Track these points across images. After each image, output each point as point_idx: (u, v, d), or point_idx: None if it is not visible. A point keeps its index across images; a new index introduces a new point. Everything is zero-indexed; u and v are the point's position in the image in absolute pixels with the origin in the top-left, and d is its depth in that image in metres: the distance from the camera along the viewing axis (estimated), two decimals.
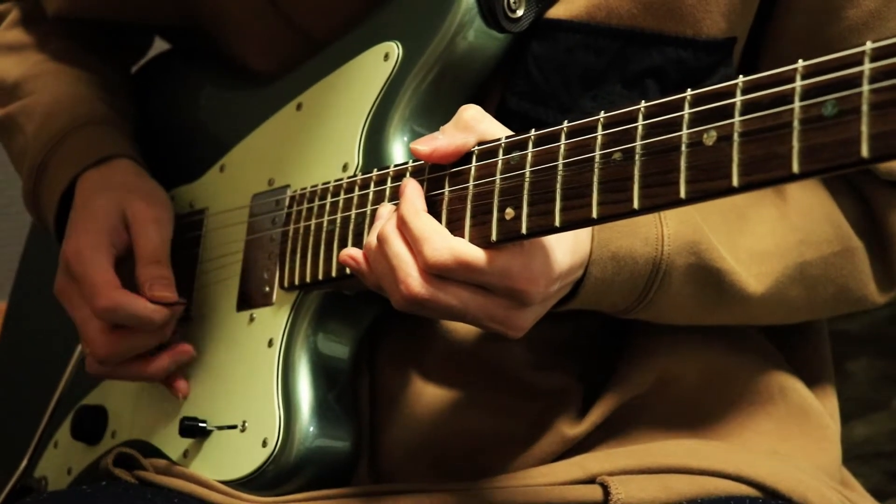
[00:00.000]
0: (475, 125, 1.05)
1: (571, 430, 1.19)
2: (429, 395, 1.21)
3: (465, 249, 1.01)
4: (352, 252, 1.09)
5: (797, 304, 1.22)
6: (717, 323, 1.21)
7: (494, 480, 1.16)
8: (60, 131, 1.35)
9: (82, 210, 1.29)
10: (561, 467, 1.17)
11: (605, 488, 1.13)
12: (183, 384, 1.27)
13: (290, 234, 1.21)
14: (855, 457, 2.43)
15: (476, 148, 1.05)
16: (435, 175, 1.07)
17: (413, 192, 1.06)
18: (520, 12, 1.15)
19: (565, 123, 0.98)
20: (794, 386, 1.26)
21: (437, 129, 1.07)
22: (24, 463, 1.37)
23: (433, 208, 1.06)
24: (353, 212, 1.14)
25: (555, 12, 1.16)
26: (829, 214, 1.22)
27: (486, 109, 1.07)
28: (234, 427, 1.20)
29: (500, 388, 1.21)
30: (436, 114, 1.16)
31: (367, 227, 1.12)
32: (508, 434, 1.20)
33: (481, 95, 1.18)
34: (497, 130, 1.05)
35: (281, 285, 1.21)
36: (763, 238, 1.18)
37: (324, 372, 1.19)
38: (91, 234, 1.27)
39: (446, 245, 1.01)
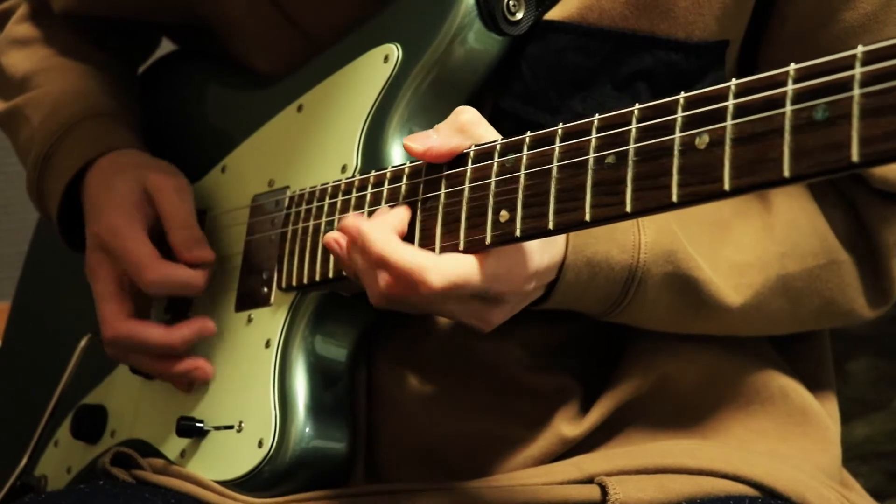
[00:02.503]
0: (472, 129, 1.06)
1: (570, 431, 1.19)
2: (426, 395, 1.21)
3: (458, 272, 1.01)
4: (337, 237, 1.09)
5: (780, 317, 1.22)
6: (698, 332, 1.21)
7: (491, 480, 1.16)
8: (67, 122, 1.35)
9: (105, 191, 1.30)
10: (558, 468, 1.17)
11: (603, 488, 1.12)
12: (202, 362, 1.25)
13: (289, 235, 1.21)
14: (855, 457, 2.42)
15: (472, 150, 1.05)
16: (431, 177, 1.07)
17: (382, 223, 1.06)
18: (519, 15, 1.15)
19: (560, 126, 0.99)
20: (794, 387, 1.25)
21: None
22: (24, 461, 1.37)
23: (428, 210, 1.06)
24: (351, 213, 1.14)
25: (548, 13, 1.15)
26: (815, 227, 1.21)
27: (481, 109, 1.08)
28: (231, 427, 1.20)
29: (498, 388, 1.21)
30: (434, 115, 1.16)
31: None
32: (506, 435, 1.20)
33: (477, 95, 1.18)
34: (492, 135, 1.05)
35: (279, 286, 1.21)
36: (745, 249, 1.18)
37: (320, 373, 1.19)
38: (122, 209, 1.28)
39: (440, 275, 1.01)
